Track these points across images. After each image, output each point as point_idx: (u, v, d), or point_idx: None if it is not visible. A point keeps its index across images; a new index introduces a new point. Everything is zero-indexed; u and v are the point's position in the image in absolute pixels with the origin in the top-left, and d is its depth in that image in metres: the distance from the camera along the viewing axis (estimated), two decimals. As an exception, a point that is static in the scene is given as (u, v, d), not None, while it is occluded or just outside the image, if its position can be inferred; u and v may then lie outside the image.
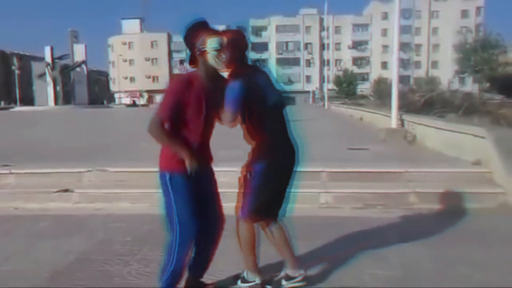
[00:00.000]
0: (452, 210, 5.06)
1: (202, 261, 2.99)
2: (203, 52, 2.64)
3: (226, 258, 3.35)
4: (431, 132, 8.53)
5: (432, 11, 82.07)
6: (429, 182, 5.72)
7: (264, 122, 2.86)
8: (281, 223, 3.05)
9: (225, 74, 2.82)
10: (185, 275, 2.91)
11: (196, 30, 2.67)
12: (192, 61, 2.73)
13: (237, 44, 2.76)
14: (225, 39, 2.67)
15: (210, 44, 2.62)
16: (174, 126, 2.68)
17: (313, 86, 75.14)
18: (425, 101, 13.32)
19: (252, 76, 2.84)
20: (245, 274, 3.06)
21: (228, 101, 2.72)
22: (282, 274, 3.08)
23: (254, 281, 3.02)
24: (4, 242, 4.22)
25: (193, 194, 2.74)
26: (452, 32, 68.67)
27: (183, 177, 2.69)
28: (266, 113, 2.86)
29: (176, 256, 2.76)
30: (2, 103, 61.06)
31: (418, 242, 3.99)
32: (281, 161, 2.92)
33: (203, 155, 2.80)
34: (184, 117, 2.66)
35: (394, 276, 3.28)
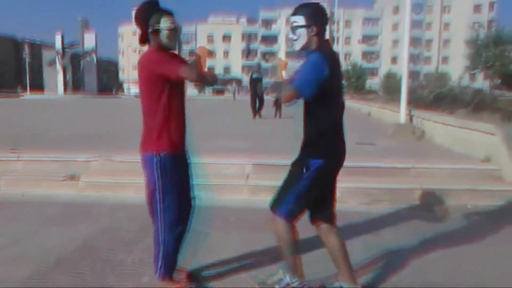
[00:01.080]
0: (460, 207, 5.01)
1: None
2: (156, 31, 2.64)
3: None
4: (440, 128, 8.45)
5: (444, 6, 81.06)
6: (437, 178, 5.67)
7: (332, 109, 2.57)
8: (338, 229, 2.79)
9: (175, 53, 2.80)
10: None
11: (149, 9, 2.67)
12: (143, 40, 2.72)
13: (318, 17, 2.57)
14: (176, 20, 2.67)
15: (165, 23, 2.63)
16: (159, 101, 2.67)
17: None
18: (435, 97, 13.18)
19: (332, 52, 2.61)
20: (286, 277, 2.76)
21: (303, 73, 2.45)
22: (337, 285, 2.80)
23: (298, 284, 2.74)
24: (11, 227, 4.25)
25: (178, 177, 2.75)
26: (464, 27, 67.95)
27: (171, 159, 2.69)
28: (336, 99, 2.59)
29: (165, 243, 2.76)
30: (20, 90, 61.16)
31: (425, 239, 3.96)
32: (339, 159, 2.66)
33: (183, 136, 2.81)
34: (168, 92, 2.67)
35: (402, 273, 3.26)
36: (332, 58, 2.51)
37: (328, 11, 2.65)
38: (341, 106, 2.65)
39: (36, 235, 4.03)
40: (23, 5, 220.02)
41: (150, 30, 2.64)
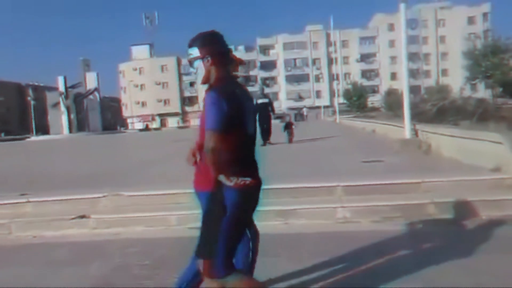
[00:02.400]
0: (474, 218, 4.94)
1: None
2: None
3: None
4: (446, 140, 8.42)
5: (439, 20, 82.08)
6: (447, 191, 5.61)
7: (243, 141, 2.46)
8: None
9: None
10: None
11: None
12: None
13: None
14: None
15: None
16: None
17: (324, 101, 75.31)
18: (438, 109, 13.21)
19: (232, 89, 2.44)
20: None
21: (207, 116, 2.32)
22: None
23: None
24: (23, 271, 4.22)
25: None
26: (459, 39, 68.44)
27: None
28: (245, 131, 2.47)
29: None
30: (33, 135, 61.53)
31: (440, 254, 3.90)
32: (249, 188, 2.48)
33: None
34: None
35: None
36: (228, 94, 2.33)
37: (223, 39, 2.49)
38: (252, 138, 2.52)
39: (49, 277, 4.00)
40: (25, 50, 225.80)
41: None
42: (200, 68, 2.44)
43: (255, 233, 2.98)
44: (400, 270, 3.56)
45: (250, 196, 2.44)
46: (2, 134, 71.64)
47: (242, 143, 2.44)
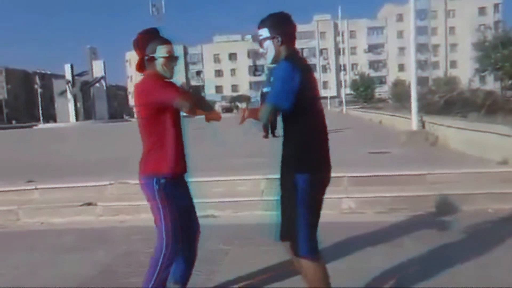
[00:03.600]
0: (479, 211, 4.92)
1: (187, 270, 2.94)
2: (152, 59, 2.67)
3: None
4: (453, 132, 8.37)
5: (448, 10, 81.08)
6: (454, 184, 5.59)
7: (313, 118, 2.44)
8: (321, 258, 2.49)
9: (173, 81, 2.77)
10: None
11: (147, 37, 2.70)
12: (140, 67, 2.76)
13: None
14: (173, 49, 2.68)
15: (160, 51, 2.66)
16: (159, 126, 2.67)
17: (331, 92, 74.97)
18: (445, 101, 13.11)
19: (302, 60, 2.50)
20: None
21: (275, 86, 2.33)
22: None
23: None
24: (31, 257, 4.28)
25: (179, 201, 2.73)
26: (469, 30, 67.57)
27: (171, 183, 2.68)
28: (314, 108, 2.46)
29: (162, 266, 2.71)
30: (40, 122, 62.01)
31: (445, 246, 3.89)
32: (326, 170, 2.48)
33: (182, 160, 2.80)
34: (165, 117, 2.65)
35: (425, 281, 3.19)
36: (302, 66, 2.39)
37: (296, 25, 2.52)
38: (321, 115, 2.50)
39: (56, 263, 4.05)
40: (32, 38, 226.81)
41: (146, 58, 2.68)
42: (270, 48, 2.48)
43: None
44: (404, 261, 3.57)
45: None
46: (14, 122, 72.26)
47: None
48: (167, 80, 2.75)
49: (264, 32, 2.46)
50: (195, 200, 2.95)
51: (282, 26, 2.46)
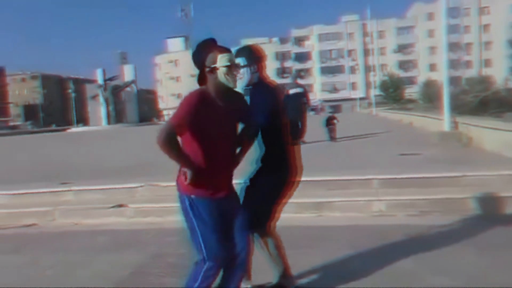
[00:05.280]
0: (516, 215, 4.74)
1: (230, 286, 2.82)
2: (213, 70, 2.59)
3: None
4: (488, 133, 8.10)
5: (482, 7, 78.60)
6: (489, 186, 5.41)
7: (280, 132, 2.97)
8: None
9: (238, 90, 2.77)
10: None
11: (205, 48, 2.63)
12: (201, 79, 2.66)
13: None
14: (232, 57, 2.66)
15: (221, 61, 2.58)
16: (191, 146, 2.57)
17: (359, 93, 74.05)
18: (480, 101, 12.71)
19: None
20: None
21: (254, 106, 2.83)
22: (275, 283, 3.13)
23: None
24: (65, 256, 4.41)
25: (217, 219, 2.61)
26: (505, 27, 65.48)
27: (204, 201, 2.59)
28: (281, 123, 2.98)
29: (201, 282, 2.64)
30: (73, 126, 63.83)
31: (480, 251, 3.77)
32: (287, 172, 3.00)
33: (224, 176, 2.71)
34: (201, 136, 2.55)
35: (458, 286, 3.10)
36: (270, 89, 2.96)
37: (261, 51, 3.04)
38: (285, 127, 3.00)
39: (89, 263, 4.16)
40: (65, 44, 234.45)
41: (207, 69, 2.60)
42: (246, 74, 2.93)
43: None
44: (435, 265, 3.48)
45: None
46: (53, 125, 74.94)
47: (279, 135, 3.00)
48: (231, 92, 2.68)
49: (242, 61, 2.92)
50: (241, 219, 2.83)
51: (256, 57, 2.99)
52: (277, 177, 2.95)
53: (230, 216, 2.74)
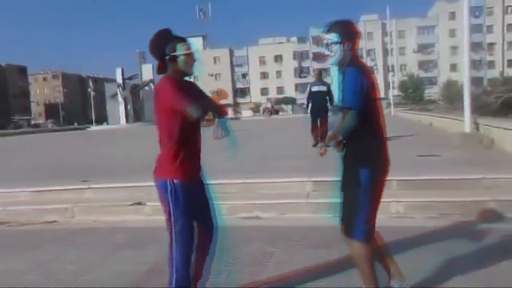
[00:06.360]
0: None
1: (197, 270, 2.97)
2: (173, 58, 2.70)
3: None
4: (510, 135, 7.93)
5: (506, 6, 76.93)
6: (510, 189, 5.30)
7: (377, 119, 2.70)
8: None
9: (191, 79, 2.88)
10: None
11: (164, 38, 2.73)
12: (160, 68, 2.78)
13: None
14: (190, 46, 2.74)
15: (180, 49, 2.70)
16: (172, 127, 2.69)
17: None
18: (502, 102, 12.44)
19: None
20: None
21: (348, 89, 2.55)
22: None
23: None
24: (85, 253, 4.49)
25: (191, 203, 2.78)
26: (529, 27, 63.87)
27: (183, 185, 2.74)
28: (378, 109, 2.70)
29: (178, 267, 2.77)
30: (93, 124, 65.30)
31: (500, 254, 3.70)
32: (386, 165, 2.76)
33: (196, 163, 2.87)
34: (181, 116, 2.63)
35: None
36: (366, 71, 2.63)
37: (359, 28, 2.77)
38: (382, 114, 2.75)
39: (108, 260, 4.23)
40: (85, 43, 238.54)
41: (167, 58, 2.71)
42: (338, 52, 2.68)
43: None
44: (453, 269, 3.42)
45: None
46: (75, 124, 76.44)
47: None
48: (186, 80, 2.83)
49: (334, 37, 2.67)
50: (212, 201, 3.03)
51: (352, 33, 2.70)
52: (378, 172, 2.69)
53: (202, 201, 2.94)
